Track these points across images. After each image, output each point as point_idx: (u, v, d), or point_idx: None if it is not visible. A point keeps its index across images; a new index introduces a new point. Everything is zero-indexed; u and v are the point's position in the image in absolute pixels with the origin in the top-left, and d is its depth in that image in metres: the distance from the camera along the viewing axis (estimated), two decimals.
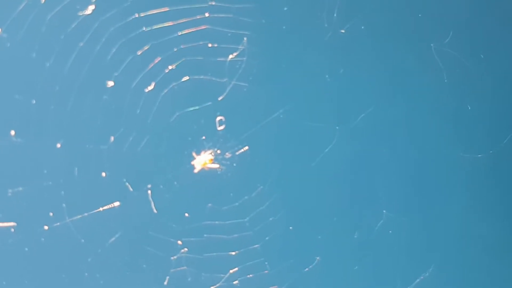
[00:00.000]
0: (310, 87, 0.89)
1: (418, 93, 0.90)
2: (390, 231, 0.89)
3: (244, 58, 0.87)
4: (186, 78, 0.86)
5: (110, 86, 0.84)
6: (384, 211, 0.89)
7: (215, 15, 0.85)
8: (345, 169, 0.90)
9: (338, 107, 0.90)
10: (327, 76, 0.89)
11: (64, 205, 0.83)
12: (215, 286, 0.87)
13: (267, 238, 0.88)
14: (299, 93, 0.89)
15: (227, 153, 0.88)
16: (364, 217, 0.90)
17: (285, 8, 0.88)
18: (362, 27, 0.89)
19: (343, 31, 0.88)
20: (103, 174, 0.84)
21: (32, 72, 0.82)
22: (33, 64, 0.82)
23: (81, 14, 0.82)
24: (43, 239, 0.83)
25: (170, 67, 0.85)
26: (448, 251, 0.91)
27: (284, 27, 0.88)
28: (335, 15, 0.88)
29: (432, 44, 0.89)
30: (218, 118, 0.87)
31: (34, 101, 0.82)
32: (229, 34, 0.86)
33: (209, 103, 0.87)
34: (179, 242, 0.87)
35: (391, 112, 0.90)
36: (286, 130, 0.89)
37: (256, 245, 0.88)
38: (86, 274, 0.84)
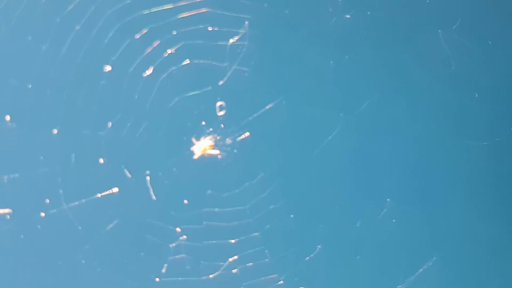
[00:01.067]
0: (313, 73, 0.87)
1: (424, 80, 0.88)
2: (394, 220, 0.88)
3: (246, 42, 0.85)
4: (185, 62, 0.84)
5: (107, 70, 0.82)
6: (387, 199, 0.88)
7: None
8: (348, 157, 0.89)
9: (342, 94, 0.88)
10: (331, 62, 0.87)
11: (61, 191, 0.82)
12: (214, 274, 0.86)
13: (267, 226, 0.87)
14: (302, 79, 0.87)
15: (227, 139, 0.87)
16: (367, 206, 0.88)
17: None
18: (368, 13, 0.86)
19: (348, 16, 0.86)
20: (101, 160, 0.83)
21: (28, 56, 0.81)
22: (29, 47, 0.80)
23: None
24: (39, 226, 0.82)
25: (169, 51, 0.84)
26: (452, 240, 0.89)
27: (287, 11, 0.86)
28: None
29: (439, 31, 0.87)
30: (219, 104, 0.86)
31: (30, 86, 0.80)
32: (230, 18, 0.84)
33: (209, 88, 0.86)
34: (178, 229, 0.86)
35: (396, 99, 0.88)
36: (288, 116, 0.87)
37: (256, 233, 0.87)
38: (83, 261, 0.84)
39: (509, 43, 0.89)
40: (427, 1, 0.87)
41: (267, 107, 0.86)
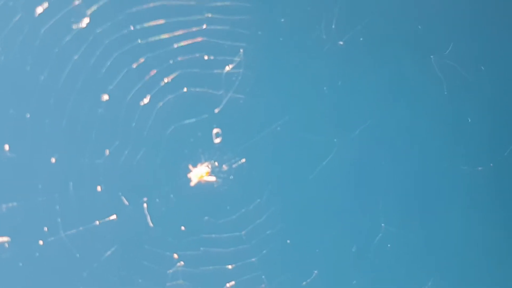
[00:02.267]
0: (308, 99, 0.88)
1: (417, 106, 0.89)
2: (389, 245, 0.89)
3: (241, 70, 0.86)
4: (182, 90, 0.85)
5: (105, 99, 0.83)
6: (382, 224, 0.88)
7: (211, 27, 0.84)
8: (343, 182, 0.89)
9: (337, 120, 0.89)
10: (325, 88, 0.88)
11: (59, 219, 0.82)
12: None
13: (264, 251, 0.88)
14: (296, 105, 0.88)
15: (224, 166, 0.87)
16: (362, 231, 0.89)
17: (282, 20, 0.87)
18: (361, 39, 0.87)
19: (341, 42, 0.87)
20: (99, 188, 0.84)
21: (26, 86, 0.81)
22: (27, 77, 0.81)
23: (75, 27, 0.81)
24: (37, 254, 0.82)
25: (165, 80, 0.85)
26: (448, 265, 0.90)
27: (281, 39, 0.87)
28: (333, 26, 0.87)
29: (432, 56, 0.88)
30: (215, 131, 0.87)
31: (28, 115, 0.81)
32: (225, 46, 0.85)
33: (206, 115, 0.86)
34: (175, 255, 0.86)
35: (390, 124, 0.89)
36: (283, 142, 0.88)
37: (253, 259, 0.87)
38: None
39: (501, 68, 0.90)
40: (419, 27, 0.88)
41: (263, 133, 0.87)
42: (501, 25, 0.91)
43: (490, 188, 0.91)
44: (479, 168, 0.90)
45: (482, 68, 0.90)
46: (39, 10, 0.81)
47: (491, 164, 0.90)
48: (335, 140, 0.88)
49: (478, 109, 0.90)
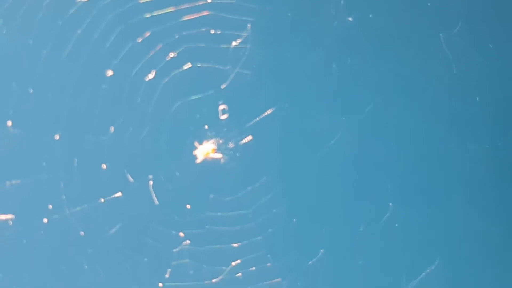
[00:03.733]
0: (316, 77, 0.87)
1: (426, 84, 0.88)
2: (396, 224, 0.88)
3: (248, 45, 0.84)
4: (188, 65, 0.84)
5: (109, 74, 0.82)
6: (390, 203, 0.88)
7: (218, 0, 0.83)
8: (351, 161, 0.88)
9: (345, 98, 0.88)
10: (334, 65, 0.86)
11: (63, 197, 0.82)
12: (217, 279, 0.85)
13: (270, 230, 0.87)
14: (304, 82, 0.87)
15: (230, 143, 0.86)
16: (370, 210, 0.88)
17: None
18: (370, 15, 0.86)
19: (350, 19, 0.86)
20: (103, 165, 0.83)
21: (29, 60, 0.80)
22: (30, 51, 0.80)
23: (78, 0, 0.79)
24: (42, 231, 0.81)
25: (171, 55, 0.83)
26: (454, 244, 0.89)
27: (289, 14, 0.86)
28: (342, 2, 0.85)
29: (441, 34, 0.87)
30: (221, 107, 0.85)
31: (31, 90, 0.80)
32: (232, 20, 0.84)
33: (212, 91, 0.85)
34: (181, 234, 0.85)
35: (399, 103, 0.88)
36: (290, 120, 0.87)
37: (259, 237, 0.87)
38: (86, 266, 0.83)
39: (510, 46, 0.89)
40: (429, 4, 0.87)
41: (270, 110, 0.86)
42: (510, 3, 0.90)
43: (497, 166, 0.90)
44: (487, 146, 0.89)
45: (491, 46, 0.89)
46: None
47: (499, 143, 0.89)
48: (343, 118, 0.87)
49: (486, 87, 0.89)
